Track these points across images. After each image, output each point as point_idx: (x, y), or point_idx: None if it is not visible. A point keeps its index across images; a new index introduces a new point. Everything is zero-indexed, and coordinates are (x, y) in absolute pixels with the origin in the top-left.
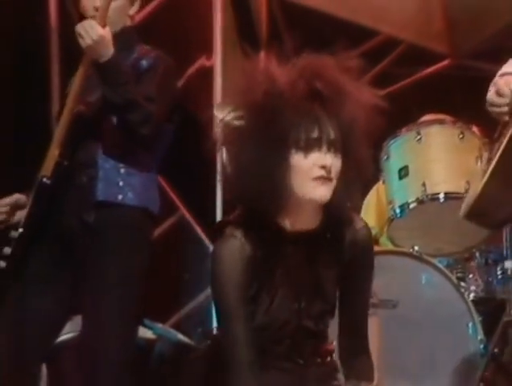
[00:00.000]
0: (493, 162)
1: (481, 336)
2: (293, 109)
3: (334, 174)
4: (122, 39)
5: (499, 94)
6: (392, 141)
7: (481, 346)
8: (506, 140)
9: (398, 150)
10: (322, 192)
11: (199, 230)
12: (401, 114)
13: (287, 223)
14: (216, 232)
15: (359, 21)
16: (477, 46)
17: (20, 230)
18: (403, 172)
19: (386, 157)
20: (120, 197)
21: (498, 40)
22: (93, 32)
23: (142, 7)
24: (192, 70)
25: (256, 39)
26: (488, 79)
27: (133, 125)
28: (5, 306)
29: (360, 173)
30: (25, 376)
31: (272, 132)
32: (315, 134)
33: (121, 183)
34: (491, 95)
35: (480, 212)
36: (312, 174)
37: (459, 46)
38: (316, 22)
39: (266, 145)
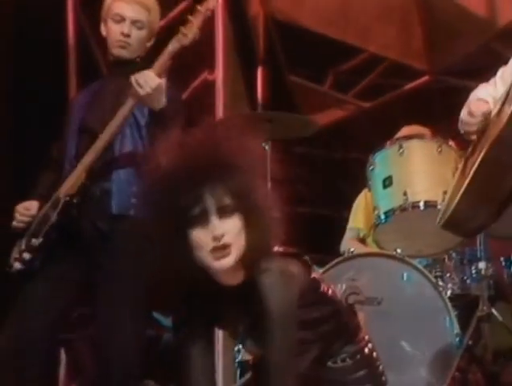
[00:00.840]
0: (466, 182)
1: (456, 330)
2: (176, 190)
3: (232, 237)
4: (138, 66)
5: (471, 115)
6: (377, 154)
7: (457, 338)
8: (478, 162)
9: (383, 162)
10: (221, 263)
11: None
12: (386, 124)
13: (216, 279)
14: None
15: (347, 40)
16: (452, 64)
17: (40, 239)
18: (387, 182)
19: (371, 167)
20: (132, 212)
21: (470, 59)
22: (153, 83)
23: None
24: (195, 83)
25: (254, 55)
26: (461, 93)
27: None
28: (15, 306)
29: (266, 225)
30: (26, 376)
31: (164, 214)
32: (197, 210)
33: (133, 200)
34: (464, 115)
35: (454, 224)
36: (208, 247)
37: (436, 64)
38: (308, 40)
39: (164, 227)
